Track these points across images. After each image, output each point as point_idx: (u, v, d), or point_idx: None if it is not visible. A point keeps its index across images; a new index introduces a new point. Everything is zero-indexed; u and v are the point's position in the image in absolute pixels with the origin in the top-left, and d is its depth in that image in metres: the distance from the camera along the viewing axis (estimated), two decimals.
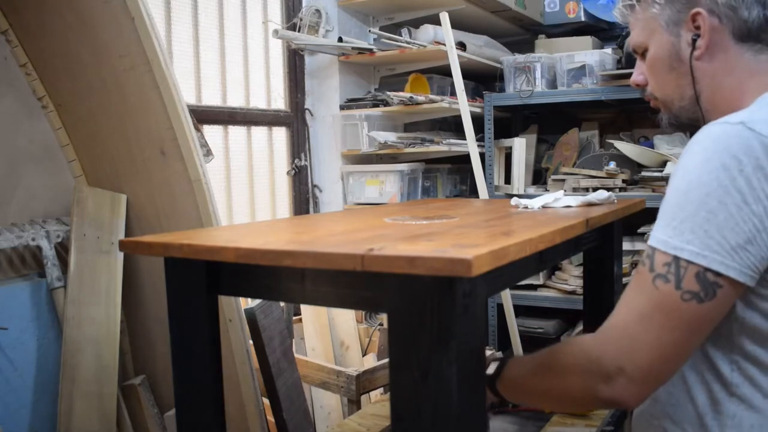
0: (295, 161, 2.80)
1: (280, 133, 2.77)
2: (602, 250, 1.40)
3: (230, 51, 2.50)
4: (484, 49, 2.88)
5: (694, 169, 0.85)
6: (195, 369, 0.98)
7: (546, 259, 1.10)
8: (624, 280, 2.42)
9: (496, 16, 3.00)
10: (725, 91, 1.01)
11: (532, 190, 2.81)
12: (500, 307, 2.66)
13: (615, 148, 2.68)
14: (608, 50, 2.71)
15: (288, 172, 2.79)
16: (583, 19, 3.04)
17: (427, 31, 2.72)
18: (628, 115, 3.07)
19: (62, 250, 1.74)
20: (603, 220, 1.14)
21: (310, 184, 2.86)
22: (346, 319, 2.49)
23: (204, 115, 2.31)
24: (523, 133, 3.03)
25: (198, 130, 1.82)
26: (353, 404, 1.84)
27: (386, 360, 1.76)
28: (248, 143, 2.59)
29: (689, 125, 1.07)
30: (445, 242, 0.78)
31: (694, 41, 1.00)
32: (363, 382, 1.80)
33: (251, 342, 1.64)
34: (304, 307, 2.42)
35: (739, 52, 0.99)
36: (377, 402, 1.66)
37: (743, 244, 0.81)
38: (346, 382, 1.80)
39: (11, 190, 1.72)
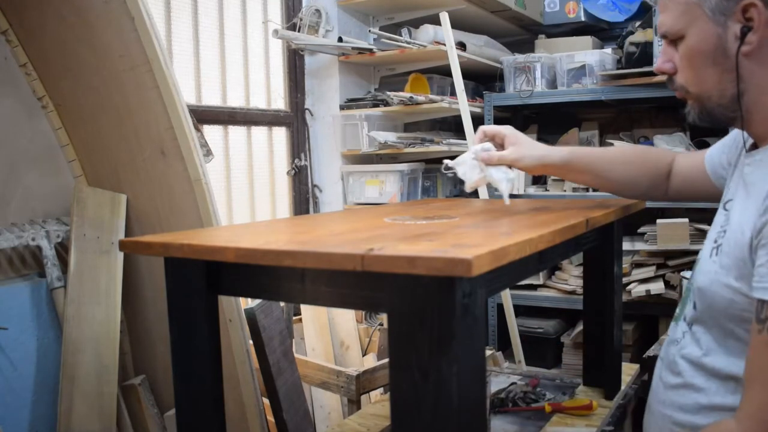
0: (295, 161, 2.80)
1: (280, 133, 2.77)
2: (602, 250, 1.40)
3: (230, 51, 2.50)
4: (484, 49, 2.88)
5: None
6: (195, 369, 0.98)
7: (546, 259, 1.10)
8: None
9: (496, 16, 3.00)
10: None
11: (532, 190, 2.81)
12: (500, 307, 2.66)
13: None
14: (608, 50, 2.71)
15: (288, 172, 2.79)
16: (583, 19, 3.04)
17: (427, 31, 2.72)
18: (628, 115, 3.07)
19: (62, 250, 1.74)
20: (603, 220, 1.14)
21: (310, 184, 2.86)
22: (346, 319, 2.49)
23: (204, 115, 2.31)
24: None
25: (198, 130, 1.82)
26: (353, 404, 1.84)
27: (386, 360, 1.76)
28: (248, 143, 2.59)
29: (721, 123, 0.98)
30: (445, 242, 0.78)
31: (744, 34, 0.88)
32: (363, 382, 1.80)
33: (251, 342, 1.64)
34: (304, 307, 2.42)
35: None
36: (377, 402, 1.66)
37: None
38: (346, 382, 1.79)
39: (11, 190, 1.72)
